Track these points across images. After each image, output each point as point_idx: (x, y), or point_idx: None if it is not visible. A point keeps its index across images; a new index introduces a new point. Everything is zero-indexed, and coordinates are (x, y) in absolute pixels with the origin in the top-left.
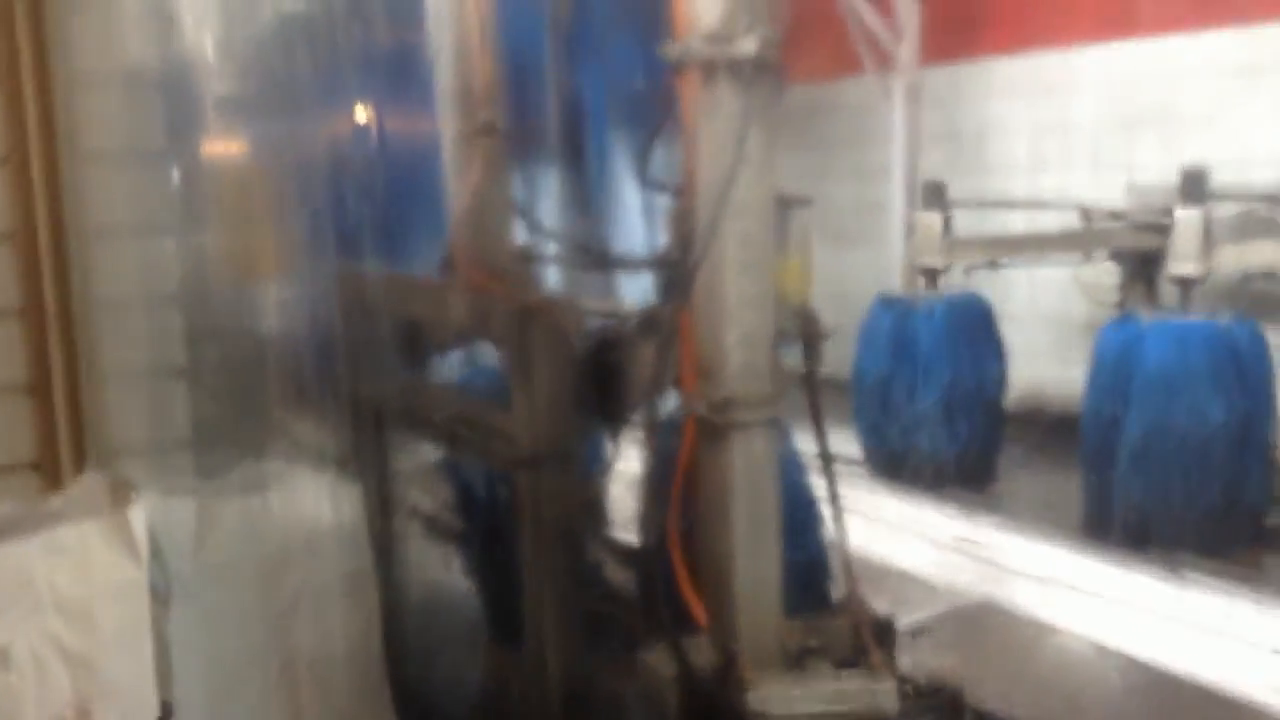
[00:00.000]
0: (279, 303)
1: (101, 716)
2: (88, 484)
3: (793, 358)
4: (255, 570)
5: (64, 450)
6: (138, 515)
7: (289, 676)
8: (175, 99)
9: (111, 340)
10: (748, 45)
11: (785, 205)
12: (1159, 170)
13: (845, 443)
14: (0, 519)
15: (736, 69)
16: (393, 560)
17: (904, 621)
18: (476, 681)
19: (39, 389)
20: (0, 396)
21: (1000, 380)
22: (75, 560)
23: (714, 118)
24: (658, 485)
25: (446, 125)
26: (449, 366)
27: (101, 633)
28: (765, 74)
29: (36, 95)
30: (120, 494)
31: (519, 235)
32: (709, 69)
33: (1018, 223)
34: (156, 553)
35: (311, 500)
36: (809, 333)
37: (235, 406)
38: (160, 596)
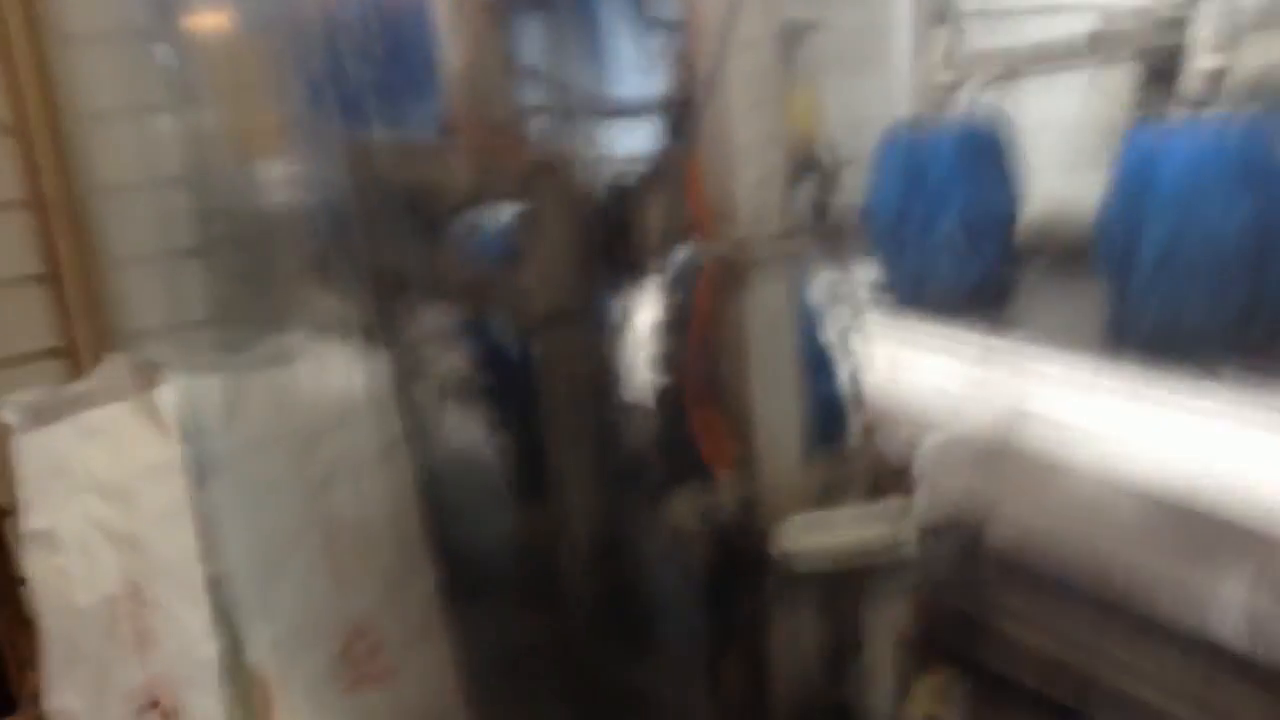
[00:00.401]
0: (283, 176)
1: (152, 594)
2: (113, 367)
3: (809, 190)
4: (288, 442)
5: (82, 336)
6: (167, 394)
7: (332, 543)
8: None
9: (120, 225)
10: None
11: (793, 33)
12: None
13: (865, 272)
14: (30, 405)
15: None
16: (416, 425)
17: (927, 443)
18: (507, 538)
19: (51, 277)
20: (13, 286)
21: (1017, 201)
22: (109, 442)
23: None
24: (676, 332)
25: None
26: (461, 229)
27: (143, 512)
28: None
29: None
30: (146, 375)
31: (519, 89)
32: None
33: (1033, 32)
34: (189, 432)
35: (338, 370)
36: (825, 165)
37: (249, 283)
38: (197, 476)
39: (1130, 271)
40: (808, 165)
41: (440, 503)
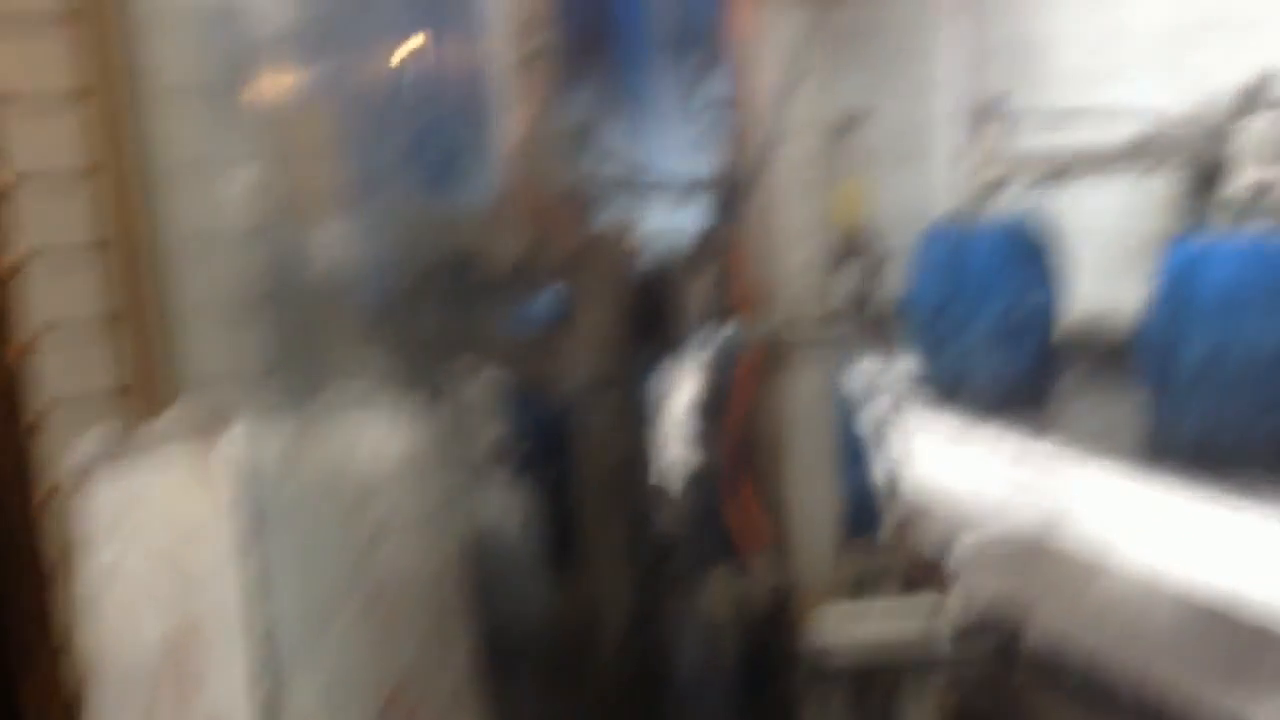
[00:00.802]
0: (346, 235)
1: (205, 634)
2: (181, 412)
3: (851, 279)
4: (341, 498)
5: (151, 377)
6: (230, 442)
7: (376, 601)
8: (242, 33)
9: (192, 272)
10: None
11: (844, 122)
12: (1224, 78)
13: (902, 366)
14: (102, 445)
15: None
16: (461, 490)
17: (962, 545)
18: (541, 611)
19: (126, 318)
20: (90, 325)
21: (1058, 303)
22: (173, 485)
23: (774, 34)
24: (715, 410)
25: (499, 52)
26: (510, 297)
27: (206, 552)
28: None
29: (117, 36)
30: (215, 421)
31: (573, 163)
32: None
33: (1079, 136)
34: (248, 478)
35: (392, 429)
36: (869, 254)
37: (312, 335)
38: (253, 520)
39: (1169, 381)
40: (852, 253)
41: (479, 570)
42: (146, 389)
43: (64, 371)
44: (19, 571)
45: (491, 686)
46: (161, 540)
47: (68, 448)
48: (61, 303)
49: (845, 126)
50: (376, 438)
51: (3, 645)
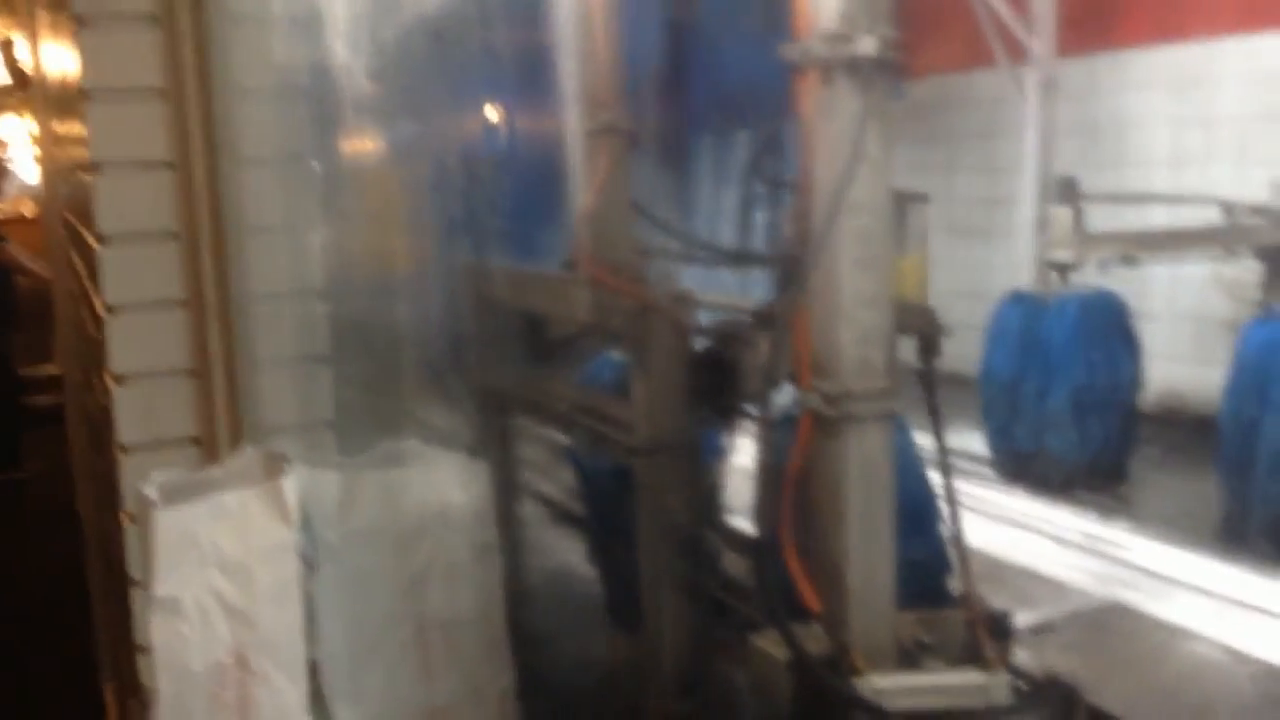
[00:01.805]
0: (413, 295)
1: (257, 665)
2: (244, 457)
3: (911, 354)
4: (392, 539)
5: (221, 427)
6: (290, 484)
7: (422, 638)
8: (320, 103)
9: (264, 329)
10: (867, 45)
11: (903, 202)
12: None
13: (974, 442)
14: (170, 485)
15: (855, 68)
16: (518, 545)
17: (1027, 621)
18: (598, 666)
19: (200, 372)
20: (167, 378)
21: (1134, 380)
22: (235, 523)
23: (831, 117)
24: (773, 478)
25: (571, 125)
26: (575, 358)
27: (258, 590)
28: (883, 73)
29: (198, 105)
30: (273, 465)
31: (640, 232)
32: (827, 69)
33: (1157, 218)
34: (305, 521)
35: (444, 476)
36: (926, 330)
37: (373, 390)
38: (309, 561)
39: (1246, 463)
40: (911, 327)
41: (529, 625)
42: (215, 439)
43: (142, 418)
44: (115, 576)
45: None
46: (218, 575)
47: (141, 482)
48: (144, 355)
49: (902, 204)
50: (431, 483)
51: (91, 641)
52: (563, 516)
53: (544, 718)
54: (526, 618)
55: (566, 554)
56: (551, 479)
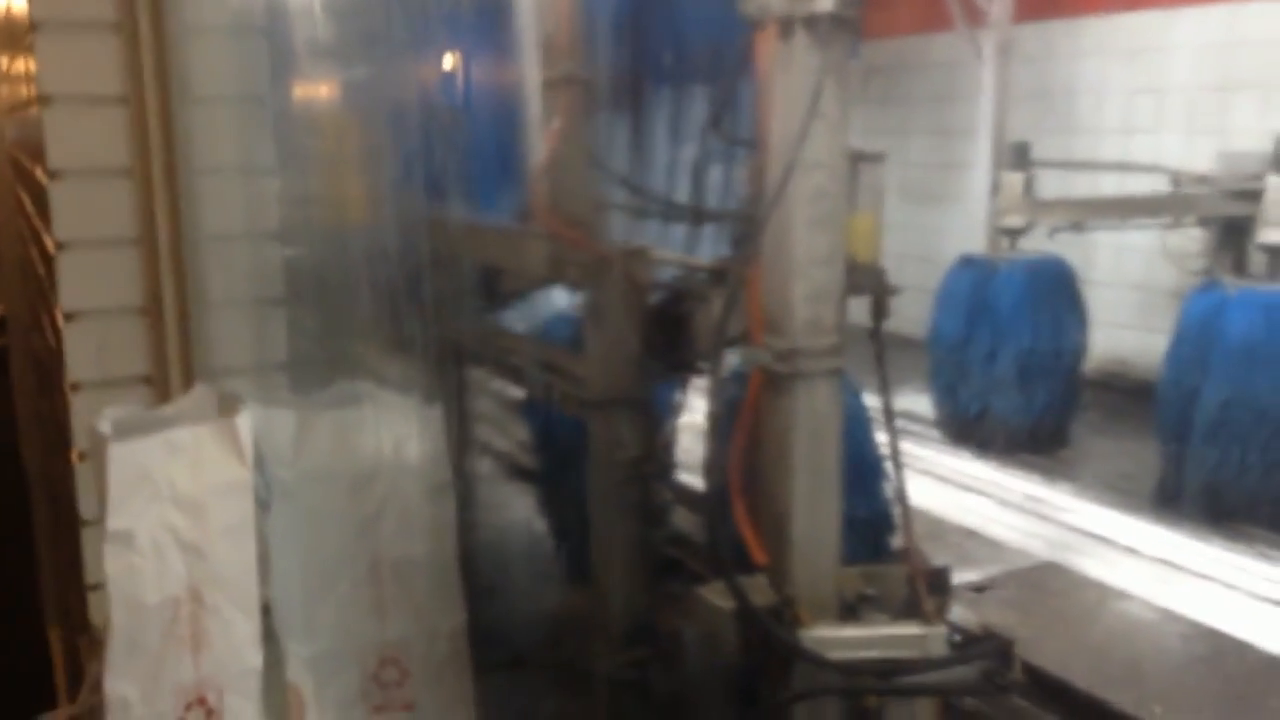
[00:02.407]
0: (368, 242)
1: (211, 600)
2: (198, 395)
3: (861, 315)
4: (346, 478)
5: (173, 367)
6: (244, 422)
7: (375, 576)
8: (277, 46)
9: (217, 270)
10: (825, 2)
11: (857, 161)
12: (1254, 136)
13: (923, 405)
14: (123, 420)
15: (813, 25)
16: (469, 497)
17: (968, 579)
18: (550, 617)
19: (152, 311)
20: (118, 317)
21: (1079, 346)
22: (189, 459)
23: (789, 73)
24: (723, 432)
25: (529, 75)
26: (531, 311)
27: (212, 525)
28: (841, 30)
29: (152, 44)
30: (228, 404)
31: (597, 185)
32: (786, 25)
33: (1107, 186)
34: (259, 460)
35: (398, 417)
36: (877, 290)
37: (329, 336)
38: (262, 501)
39: (1183, 433)
40: (862, 287)
41: (482, 577)
42: (168, 378)
43: (94, 356)
44: (62, 519)
45: (489, 681)
46: (171, 510)
47: (93, 419)
48: (95, 293)
49: (857, 164)
50: (386, 425)
51: (35, 585)
52: (516, 469)
53: (496, 667)
54: (481, 568)
55: (521, 507)
56: (507, 432)
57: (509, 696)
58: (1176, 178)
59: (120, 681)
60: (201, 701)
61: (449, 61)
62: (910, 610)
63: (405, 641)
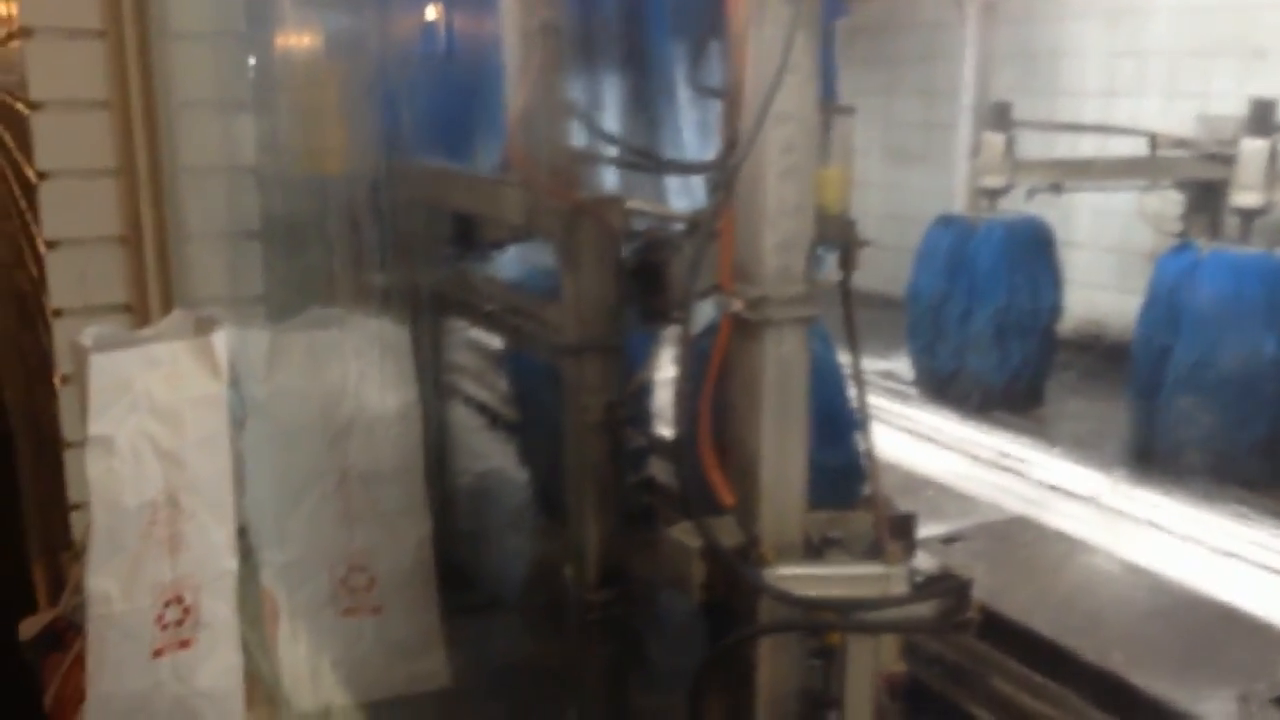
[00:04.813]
0: (346, 181)
1: (187, 505)
2: (176, 318)
3: (830, 265)
4: (316, 395)
5: (153, 296)
6: (220, 339)
7: (344, 489)
8: None
9: (196, 202)
10: None
11: (828, 114)
12: (1233, 101)
13: (901, 363)
14: (102, 336)
15: None
16: (446, 443)
17: (938, 532)
18: (527, 558)
19: (131, 240)
20: (99, 245)
21: (1055, 305)
22: (167, 371)
23: (761, 25)
24: (694, 377)
25: (507, 23)
26: (509, 260)
27: (188, 435)
28: None
29: None
30: (205, 325)
31: (574, 135)
32: None
33: (1087, 148)
34: (234, 379)
35: (366, 338)
36: (846, 241)
37: (303, 269)
38: (237, 418)
39: (1155, 392)
40: (831, 238)
41: (460, 522)
42: (148, 306)
43: (76, 283)
44: (45, 446)
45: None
46: (149, 419)
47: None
48: (77, 222)
49: (828, 116)
50: (356, 345)
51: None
52: (497, 418)
53: (475, 608)
54: (462, 514)
55: (502, 455)
56: (486, 382)
57: (486, 637)
58: (1155, 140)
59: (101, 578)
60: (179, 599)
61: (430, 10)
62: (875, 553)
63: (372, 549)
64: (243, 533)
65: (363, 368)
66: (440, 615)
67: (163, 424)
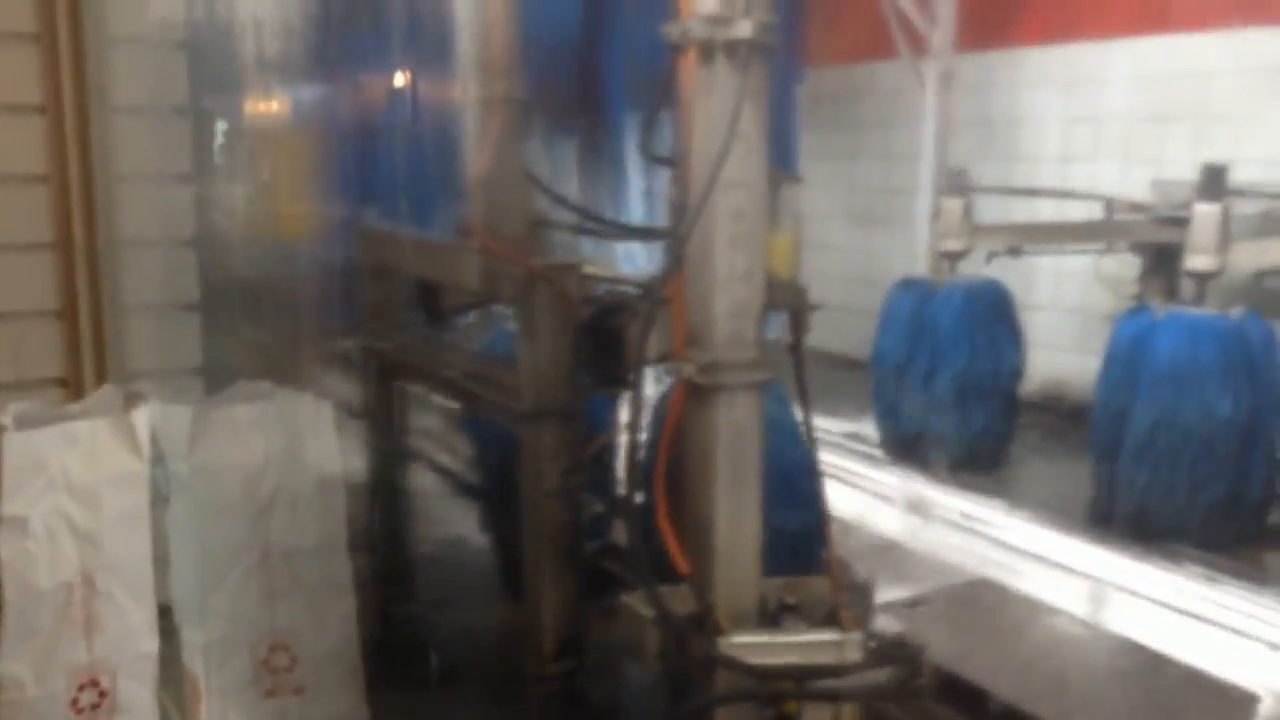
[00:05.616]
0: (299, 255)
1: (104, 586)
2: (105, 394)
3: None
4: (239, 471)
5: (87, 370)
6: (142, 417)
7: (267, 565)
8: (200, 59)
9: (133, 275)
10: (744, 28)
11: (776, 182)
12: (1187, 166)
13: (867, 425)
14: (25, 413)
15: (732, 50)
16: (404, 511)
17: (902, 595)
18: (489, 628)
19: (67, 315)
20: (33, 319)
21: (1016, 367)
22: (86, 450)
23: (710, 96)
24: (650, 443)
25: (466, 93)
26: (469, 326)
27: (106, 515)
28: (760, 56)
29: (71, 53)
30: (131, 401)
31: (532, 203)
32: (706, 49)
33: (1045, 211)
34: (160, 456)
35: (291, 413)
36: (796, 306)
37: (242, 343)
38: (162, 494)
39: (1115, 453)
40: (782, 304)
41: (417, 592)
42: (82, 381)
43: (10, 358)
44: None
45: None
46: (66, 498)
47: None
48: (13, 296)
49: (776, 184)
50: (277, 421)
51: None
52: (459, 484)
53: (430, 680)
54: (422, 582)
55: (464, 522)
56: (447, 445)
57: (445, 709)
58: (1111, 205)
59: (13, 662)
60: (94, 683)
61: (390, 80)
62: (832, 620)
63: (294, 628)
64: (166, 612)
65: (286, 443)
66: (364, 695)
67: (79, 503)
